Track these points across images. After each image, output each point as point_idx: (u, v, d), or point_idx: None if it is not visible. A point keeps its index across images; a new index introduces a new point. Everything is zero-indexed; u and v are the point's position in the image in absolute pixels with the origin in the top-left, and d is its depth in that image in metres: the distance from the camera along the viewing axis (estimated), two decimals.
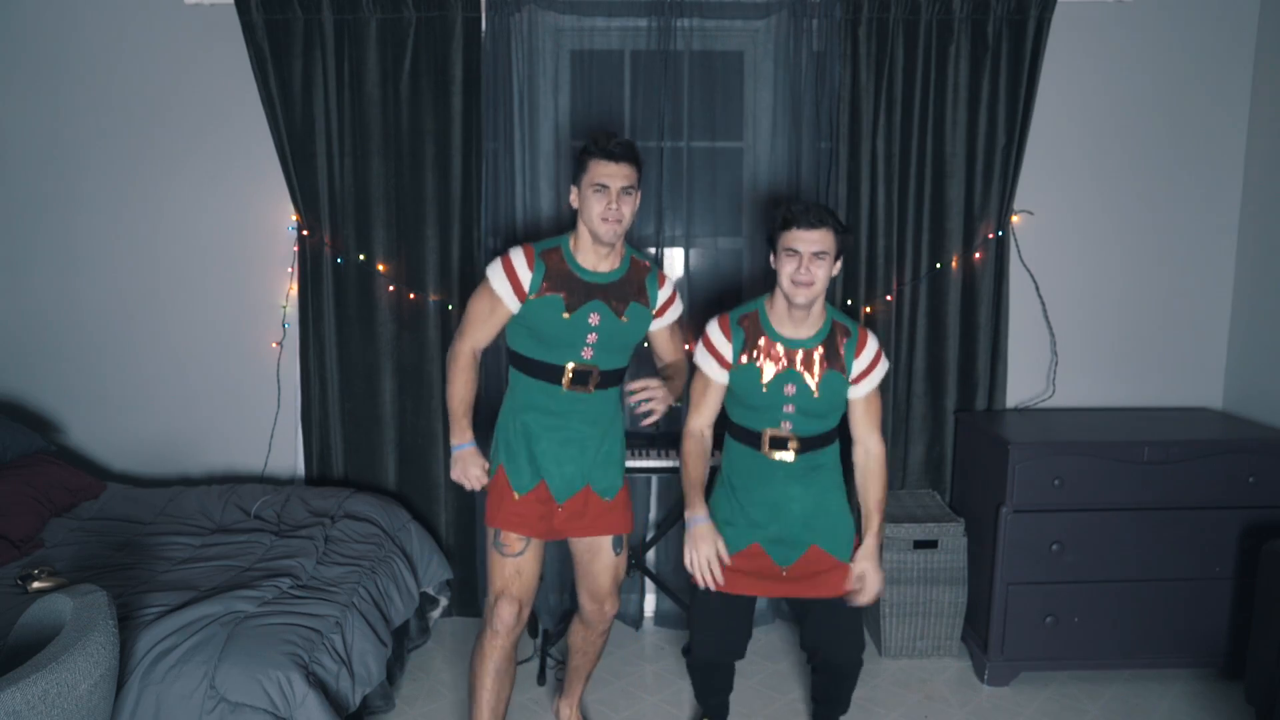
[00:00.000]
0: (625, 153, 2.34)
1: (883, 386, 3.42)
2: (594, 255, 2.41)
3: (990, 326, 3.49)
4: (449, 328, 3.38)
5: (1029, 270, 3.55)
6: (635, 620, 3.59)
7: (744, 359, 2.42)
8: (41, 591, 2.48)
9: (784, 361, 2.40)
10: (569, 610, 3.43)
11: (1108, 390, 3.65)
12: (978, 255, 3.45)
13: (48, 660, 1.70)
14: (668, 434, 3.41)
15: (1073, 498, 3.06)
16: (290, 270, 3.52)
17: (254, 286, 3.57)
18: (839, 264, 2.40)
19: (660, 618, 3.61)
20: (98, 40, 3.45)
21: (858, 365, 2.44)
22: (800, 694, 3.12)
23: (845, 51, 3.31)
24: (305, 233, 3.42)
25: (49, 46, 3.46)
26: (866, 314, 3.45)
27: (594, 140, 2.35)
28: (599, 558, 2.55)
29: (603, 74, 3.38)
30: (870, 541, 2.45)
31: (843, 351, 2.43)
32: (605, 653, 3.34)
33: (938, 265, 3.46)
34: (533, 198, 3.35)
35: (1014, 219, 3.49)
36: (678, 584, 3.53)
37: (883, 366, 2.49)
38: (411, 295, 3.43)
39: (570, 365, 2.40)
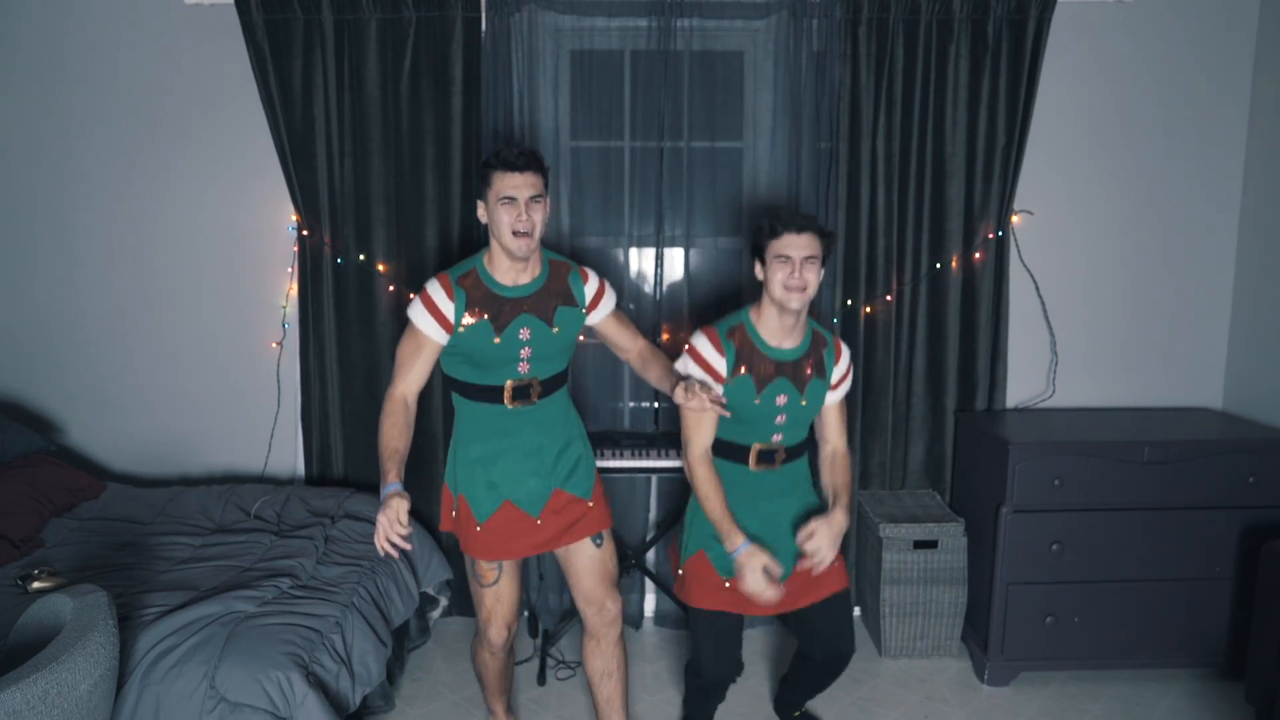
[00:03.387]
0: (529, 162, 2.28)
1: (881, 387, 3.48)
2: (512, 270, 2.35)
3: (990, 326, 3.49)
4: None
5: (1029, 270, 3.54)
6: (635, 620, 3.59)
7: (741, 371, 2.39)
8: (41, 591, 2.49)
9: (775, 373, 2.40)
10: (569, 610, 3.43)
11: (1108, 390, 3.65)
12: (978, 255, 3.45)
13: (48, 660, 1.70)
14: (667, 434, 3.41)
15: (1073, 498, 3.06)
16: (290, 270, 3.52)
17: (254, 286, 3.57)
18: (823, 270, 2.40)
19: (660, 618, 3.61)
20: (97, 40, 3.45)
21: (836, 372, 2.50)
22: None
23: (845, 51, 3.31)
24: (305, 232, 3.42)
25: (49, 47, 3.46)
26: (867, 314, 3.45)
27: (495, 153, 2.31)
28: (579, 556, 2.49)
29: (603, 74, 3.38)
30: (838, 514, 2.40)
31: (824, 359, 2.48)
32: None
33: (938, 265, 3.46)
34: None
35: (1014, 219, 3.49)
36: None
37: (851, 375, 2.56)
38: (411, 295, 3.41)
39: (509, 383, 2.36)
